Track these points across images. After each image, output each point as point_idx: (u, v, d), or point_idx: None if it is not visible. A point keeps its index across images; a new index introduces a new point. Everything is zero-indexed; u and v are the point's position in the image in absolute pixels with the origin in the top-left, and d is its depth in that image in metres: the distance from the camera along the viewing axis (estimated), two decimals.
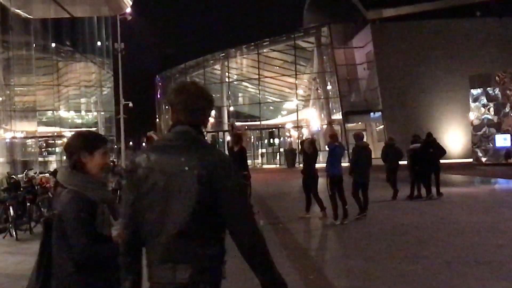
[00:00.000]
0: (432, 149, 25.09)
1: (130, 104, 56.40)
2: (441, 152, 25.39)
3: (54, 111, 65.30)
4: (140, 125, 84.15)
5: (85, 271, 4.46)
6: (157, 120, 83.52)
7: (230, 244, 4.29)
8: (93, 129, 69.95)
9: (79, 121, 70.99)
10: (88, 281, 4.47)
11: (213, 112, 55.38)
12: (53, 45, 63.74)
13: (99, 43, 66.21)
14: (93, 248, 4.46)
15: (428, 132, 26.56)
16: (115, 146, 68.55)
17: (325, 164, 18.29)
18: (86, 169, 4.67)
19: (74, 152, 4.68)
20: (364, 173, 19.00)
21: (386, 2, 61.88)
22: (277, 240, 15.45)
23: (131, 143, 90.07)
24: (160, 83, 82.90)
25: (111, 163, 43.33)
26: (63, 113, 67.21)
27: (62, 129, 65.27)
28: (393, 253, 13.09)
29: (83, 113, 71.03)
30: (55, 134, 65.50)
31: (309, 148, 19.41)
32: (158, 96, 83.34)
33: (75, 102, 69.64)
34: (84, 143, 4.72)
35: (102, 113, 69.10)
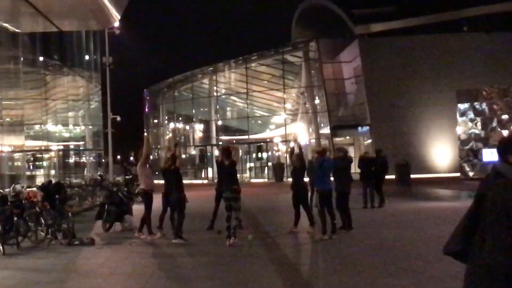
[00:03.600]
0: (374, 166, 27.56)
1: (118, 118, 56.38)
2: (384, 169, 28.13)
3: (42, 125, 65.09)
4: (128, 139, 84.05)
5: None
6: (145, 134, 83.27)
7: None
8: (81, 143, 69.99)
9: (66, 135, 70.77)
10: None
11: (201, 126, 55.37)
12: (41, 59, 63.57)
13: (87, 57, 66.11)
14: None
15: (377, 149, 29.17)
16: (103, 160, 68.39)
17: (314, 179, 18.34)
18: None
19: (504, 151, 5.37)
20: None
21: (374, 17, 62.17)
22: (266, 254, 15.46)
23: (119, 157, 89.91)
24: (148, 97, 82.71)
25: (99, 177, 43.29)
26: (50, 127, 66.97)
27: (50, 143, 65.06)
28: (381, 267, 13.11)
29: (70, 127, 70.80)
30: (43, 148, 65.28)
31: (297, 162, 19.48)
32: (146, 110, 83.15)
33: (63, 116, 69.41)
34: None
35: (90, 127, 68.93)
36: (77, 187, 35.86)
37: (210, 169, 65.88)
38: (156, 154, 74.47)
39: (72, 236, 18.36)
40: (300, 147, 20.59)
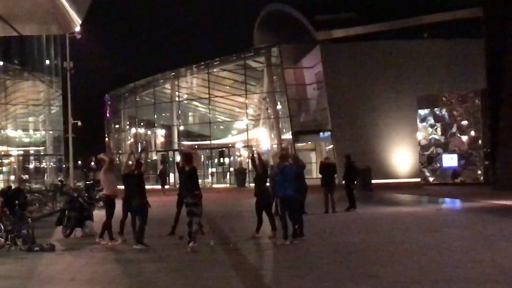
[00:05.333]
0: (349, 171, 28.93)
1: (79, 123, 56.03)
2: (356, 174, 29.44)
3: (1, 130, 64.47)
4: (89, 144, 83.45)
5: None
6: (106, 139, 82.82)
7: None
8: (41, 148, 69.39)
9: (27, 140, 70.19)
10: None
11: (162, 132, 55.17)
12: (1, 63, 63.02)
13: (47, 62, 65.62)
14: None
15: (347, 154, 30.06)
16: (63, 166, 67.89)
17: (275, 185, 18.33)
18: None
19: None
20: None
21: (335, 23, 62.46)
22: (227, 260, 15.45)
23: (79, 162, 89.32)
24: (109, 102, 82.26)
25: (59, 183, 42.96)
26: (10, 132, 66.39)
27: (10, 148, 64.45)
28: (343, 272, 13.16)
29: (31, 132, 70.26)
30: (2, 153, 64.63)
31: (259, 168, 19.49)
32: (107, 115, 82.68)
33: (23, 121, 68.87)
34: None
35: (51, 132, 68.41)
36: (37, 193, 35.51)
37: (171, 175, 65.65)
38: (117, 159, 74.04)
39: (32, 242, 18.17)
40: (259, 154, 20.54)
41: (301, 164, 20.86)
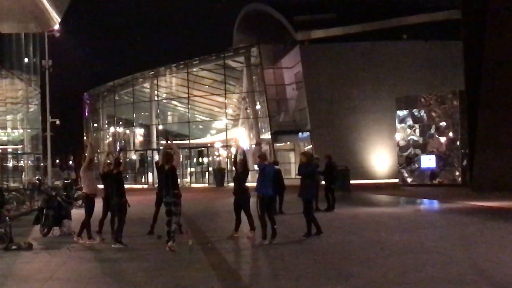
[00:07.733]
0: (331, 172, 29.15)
1: (57, 122, 55.74)
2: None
3: None
4: (67, 143, 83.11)
5: None
6: (85, 138, 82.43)
7: None
8: (19, 146, 68.97)
9: (4, 138, 69.76)
10: None
11: (141, 131, 54.90)
12: None
13: (26, 60, 65.26)
14: None
15: (327, 155, 30.36)
16: (42, 164, 67.54)
17: (255, 184, 18.32)
18: None
19: None
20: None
21: (315, 23, 62.52)
22: (206, 259, 15.45)
23: (57, 161, 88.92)
24: (88, 101, 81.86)
25: (37, 181, 42.75)
26: None
27: None
28: (320, 272, 13.20)
29: (9, 130, 69.80)
30: None
31: (240, 167, 19.48)
32: (86, 114, 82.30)
33: (1, 119, 68.43)
34: None
35: (29, 130, 68.03)
36: (15, 191, 35.32)
37: (150, 174, 65.53)
38: (96, 158, 73.74)
39: (10, 240, 18.07)
40: (244, 153, 20.56)
41: (315, 163, 20.96)
